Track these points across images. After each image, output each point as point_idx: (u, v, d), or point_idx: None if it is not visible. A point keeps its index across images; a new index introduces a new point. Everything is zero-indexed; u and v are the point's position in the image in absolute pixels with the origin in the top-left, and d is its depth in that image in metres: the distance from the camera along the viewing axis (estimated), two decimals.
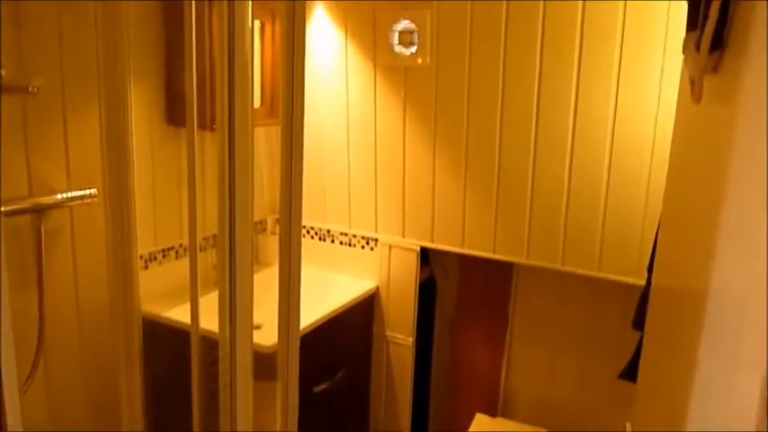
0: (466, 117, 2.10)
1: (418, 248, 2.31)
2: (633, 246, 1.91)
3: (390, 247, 2.36)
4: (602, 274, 1.99)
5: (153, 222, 2.03)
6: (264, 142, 2.50)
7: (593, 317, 2.22)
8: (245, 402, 1.07)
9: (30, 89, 1.51)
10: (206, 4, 1.80)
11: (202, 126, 1.88)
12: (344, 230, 2.45)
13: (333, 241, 2.49)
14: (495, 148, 2.07)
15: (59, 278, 1.78)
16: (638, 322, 1.46)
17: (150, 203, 2.01)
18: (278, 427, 1.09)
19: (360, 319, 2.39)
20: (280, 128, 1.05)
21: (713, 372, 0.65)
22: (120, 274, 1.29)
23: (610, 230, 1.95)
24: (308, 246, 2.52)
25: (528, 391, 2.40)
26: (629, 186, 1.89)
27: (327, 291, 2.30)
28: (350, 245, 2.45)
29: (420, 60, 2.13)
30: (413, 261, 2.33)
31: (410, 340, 2.40)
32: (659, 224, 1.32)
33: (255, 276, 1.10)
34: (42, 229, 1.67)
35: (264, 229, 2.53)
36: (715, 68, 0.75)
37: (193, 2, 1.16)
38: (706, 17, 0.72)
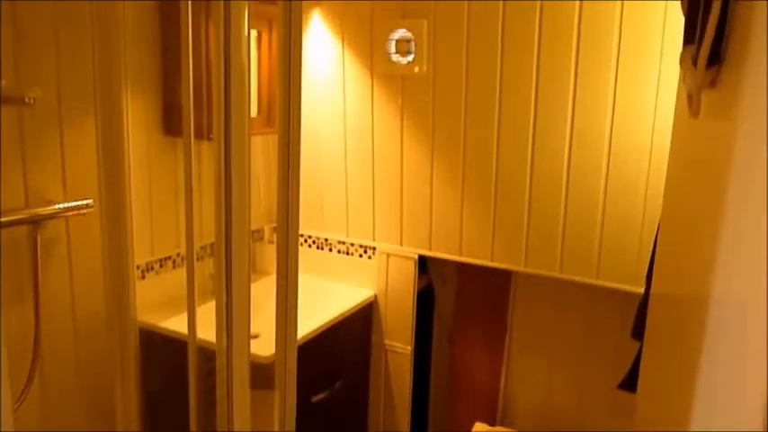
0: (463, 125, 2.10)
1: (416, 257, 2.30)
2: (631, 253, 1.91)
3: (388, 255, 2.36)
4: (600, 282, 1.98)
5: (150, 232, 2.03)
6: (262, 151, 2.50)
7: (592, 324, 2.21)
8: (243, 413, 1.06)
9: (26, 100, 1.50)
10: (203, 13, 1.80)
11: (199, 136, 1.87)
12: (342, 239, 2.45)
13: (330, 250, 2.48)
14: (492, 155, 2.07)
15: (56, 288, 1.77)
16: (638, 331, 1.45)
17: (147, 213, 2.01)
18: None
19: (358, 327, 2.38)
20: (277, 136, 1.05)
21: (716, 379, 0.65)
22: (116, 284, 1.28)
23: (608, 238, 1.95)
24: (305, 254, 2.51)
25: (527, 400, 2.39)
26: (627, 193, 1.89)
27: (325, 299, 2.29)
28: (347, 253, 2.45)
29: (417, 69, 2.14)
30: (411, 269, 2.32)
31: (408, 349, 2.39)
32: (657, 233, 1.32)
33: (253, 285, 1.09)
34: (38, 239, 1.66)
35: (262, 238, 2.53)
36: (713, 83, 0.75)
37: (190, 11, 1.16)
38: (703, 31, 0.72)
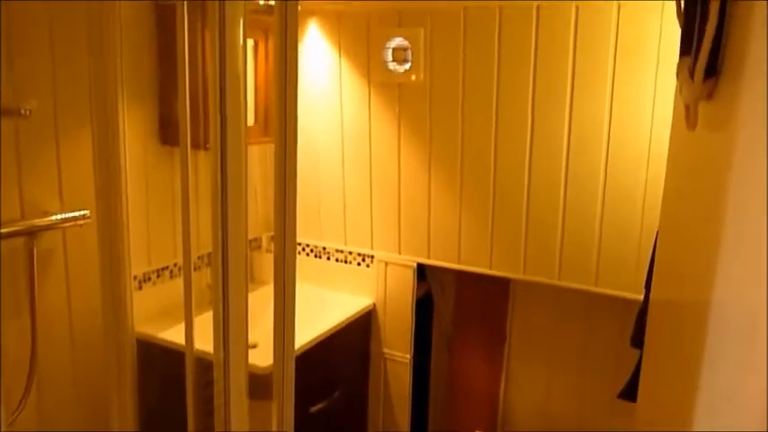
0: (461, 133, 2.10)
1: (414, 265, 2.30)
2: (630, 260, 1.90)
3: (386, 263, 2.35)
4: (599, 289, 1.98)
5: (147, 242, 2.02)
6: (259, 160, 2.50)
7: (591, 331, 2.20)
8: (241, 424, 1.05)
9: (22, 112, 1.50)
10: (199, 23, 1.80)
11: (196, 146, 1.87)
12: (340, 247, 2.44)
13: (329, 258, 2.47)
14: (490, 163, 2.07)
15: (52, 300, 1.77)
16: (637, 339, 1.45)
17: (144, 223, 2.00)
18: None
19: (356, 336, 2.37)
20: (273, 145, 1.04)
21: (718, 384, 0.64)
22: (112, 295, 1.27)
23: (606, 245, 1.94)
24: (303, 263, 2.50)
25: (527, 407, 2.38)
26: (625, 200, 1.89)
27: (323, 308, 2.28)
28: (346, 262, 2.44)
29: (414, 77, 2.14)
30: (409, 277, 2.32)
31: (408, 357, 2.38)
32: (656, 240, 1.31)
33: (251, 295, 1.09)
34: (35, 250, 1.66)
35: (260, 247, 2.52)
36: (709, 96, 0.75)
37: (186, 21, 1.16)
38: (700, 43, 0.72)
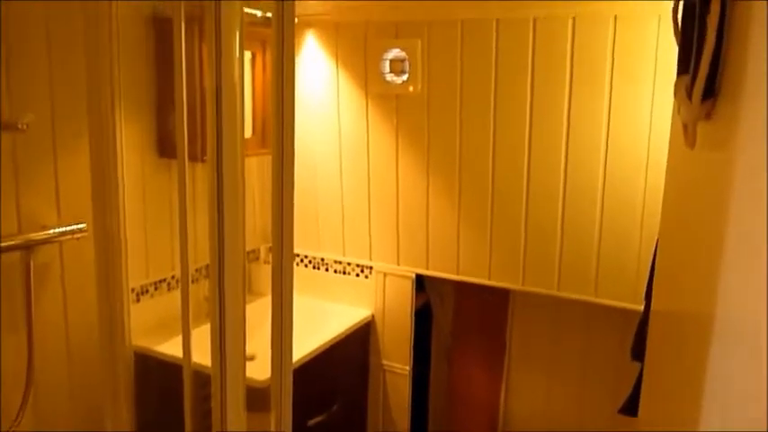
0: (458, 144, 2.10)
1: (413, 276, 2.29)
2: (630, 270, 1.90)
3: (385, 274, 2.34)
4: (598, 300, 1.97)
5: (145, 254, 2.01)
6: (257, 171, 2.49)
7: (591, 342, 2.20)
8: None
9: (19, 126, 1.50)
10: (197, 35, 1.81)
11: (193, 158, 1.87)
12: (338, 258, 2.43)
13: (327, 269, 2.47)
14: (488, 173, 2.07)
15: (49, 313, 1.76)
16: (637, 352, 1.44)
17: (142, 235, 1.99)
18: None
19: (355, 348, 2.36)
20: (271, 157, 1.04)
21: (722, 399, 0.64)
22: (110, 309, 1.27)
23: (605, 255, 1.94)
24: (301, 274, 2.50)
25: (527, 418, 2.37)
26: (624, 210, 1.89)
27: (322, 320, 2.27)
28: (344, 273, 2.43)
29: (411, 88, 2.14)
30: (408, 288, 2.31)
31: (407, 369, 2.37)
32: (655, 251, 1.31)
33: (249, 307, 1.08)
34: (32, 264, 1.65)
35: (257, 258, 2.51)
36: (708, 116, 0.75)
37: (183, 34, 1.16)
38: (698, 63, 0.72)
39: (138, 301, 2.00)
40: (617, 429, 2.11)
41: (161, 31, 1.95)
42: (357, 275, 2.41)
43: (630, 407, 1.44)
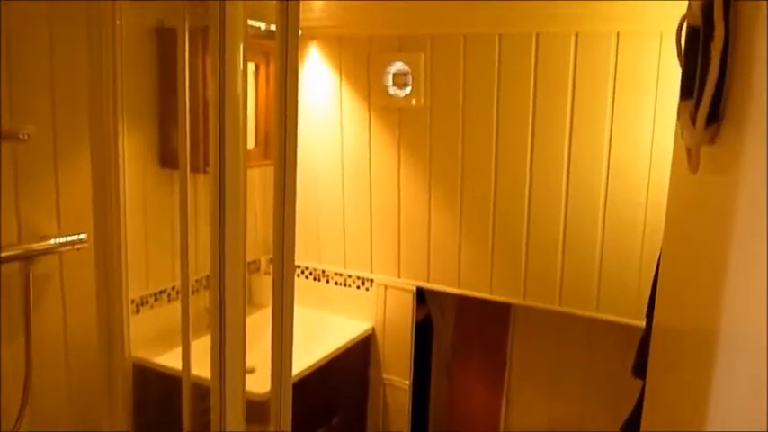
0: (460, 157, 2.11)
1: (414, 288, 2.28)
2: (631, 286, 1.89)
3: (386, 287, 2.34)
4: (600, 315, 1.96)
5: (145, 265, 2.01)
6: (259, 182, 2.49)
7: (592, 357, 2.18)
8: None
9: (21, 136, 1.50)
10: (200, 46, 1.81)
11: (195, 169, 1.87)
12: (339, 270, 2.43)
13: (328, 281, 2.46)
14: (490, 187, 2.07)
15: (49, 325, 1.75)
16: (639, 369, 1.42)
17: (143, 246, 1.99)
18: None
19: (355, 361, 2.35)
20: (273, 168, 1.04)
21: (726, 418, 0.63)
22: (109, 320, 1.26)
23: (607, 271, 1.93)
24: (302, 286, 2.49)
25: None
26: (626, 225, 1.89)
27: (322, 332, 2.26)
28: (345, 285, 2.43)
29: (414, 102, 2.15)
30: (409, 301, 2.30)
31: (407, 383, 2.36)
32: (657, 267, 1.30)
33: (250, 318, 1.07)
34: (31, 275, 1.64)
35: (258, 269, 2.51)
36: (712, 140, 0.75)
37: (187, 45, 1.17)
38: (702, 88, 0.72)
39: (137, 312, 2.00)
40: None
41: (165, 42, 1.96)
42: (358, 288, 2.40)
43: (632, 425, 1.43)
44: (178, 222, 1.21)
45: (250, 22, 0.96)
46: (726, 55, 0.68)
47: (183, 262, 1.24)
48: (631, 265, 1.89)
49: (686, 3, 0.95)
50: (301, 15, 0.95)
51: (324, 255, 2.45)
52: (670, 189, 1.18)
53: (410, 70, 2.13)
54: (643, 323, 1.52)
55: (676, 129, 1.06)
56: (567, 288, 2.00)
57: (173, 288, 2.11)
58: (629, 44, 1.81)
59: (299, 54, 1.96)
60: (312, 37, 2.31)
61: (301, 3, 0.95)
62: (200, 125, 1.81)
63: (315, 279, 2.48)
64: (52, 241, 1.68)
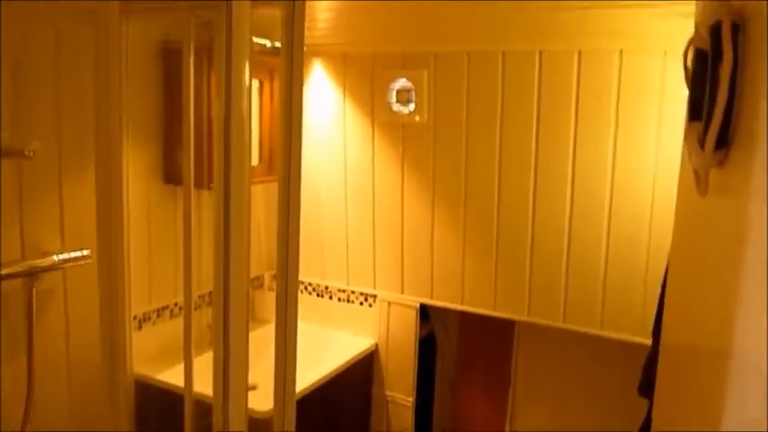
0: (464, 174, 2.11)
1: (417, 305, 2.27)
2: (636, 303, 1.88)
3: (389, 303, 2.33)
4: (604, 333, 1.95)
5: (148, 281, 2.01)
6: (263, 198, 2.49)
7: (597, 376, 2.17)
8: None
9: (26, 153, 1.50)
10: (205, 63, 1.82)
11: (199, 185, 1.87)
12: (343, 286, 2.42)
13: (331, 297, 2.45)
14: (493, 204, 2.07)
15: (51, 341, 1.74)
16: (645, 388, 1.41)
17: (146, 262, 1.99)
18: None
19: (358, 378, 2.34)
20: (277, 184, 1.04)
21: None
22: (111, 337, 1.26)
23: (611, 288, 1.92)
24: (305, 302, 2.48)
25: None
26: (630, 243, 1.88)
27: (325, 349, 2.25)
28: (348, 301, 2.42)
29: (418, 118, 2.15)
30: (412, 318, 2.29)
31: (410, 400, 2.34)
32: (662, 286, 1.29)
33: (252, 334, 1.07)
34: (34, 291, 1.64)
35: (261, 285, 2.50)
36: (720, 164, 0.74)
37: (192, 61, 1.18)
38: (710, 112, 0.72)
39: (140, 328, 1.99)
40: None
41: (170, 59, 1.97)
42: (361, 304, 2.39)
43: None
44: (181, 238, 1.21)
45: (254, 40, 0.97)
46: (734, 78, 0.68)
47: (187, 278, 1.24)
48: (636, 282, 1.88)
49: (689, 21, 0.96)
50: (305, 33, 0.96)
51: (327, 271, 2.44)
52: (677, 210, 1.17)
53: (413, 87, 2.14)
54: (648, 341, 1.51)
55: (683, 150, 1.06)
56: (572, 305, 1.99)
57: (175, 304, 2.11)
58: (633, 62, 1.81)
59: (303, 70, 1.97)
60: (316, 53, 2.33)
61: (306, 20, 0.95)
62: (204, 142, 1.82)
63: (318, 295, 2.48)
64: (56, 257, 1.68)
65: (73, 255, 1.72)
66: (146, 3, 1.22)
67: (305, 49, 0.97)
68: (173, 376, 1.90)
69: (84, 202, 1.78)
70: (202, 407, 1.24)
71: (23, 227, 1.64)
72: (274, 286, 1.07)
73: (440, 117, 2.13)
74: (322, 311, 2.47)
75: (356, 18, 1.92)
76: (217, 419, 1.02)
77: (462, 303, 2.18)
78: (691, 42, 0.89)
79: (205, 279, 2.10)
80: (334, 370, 2.11)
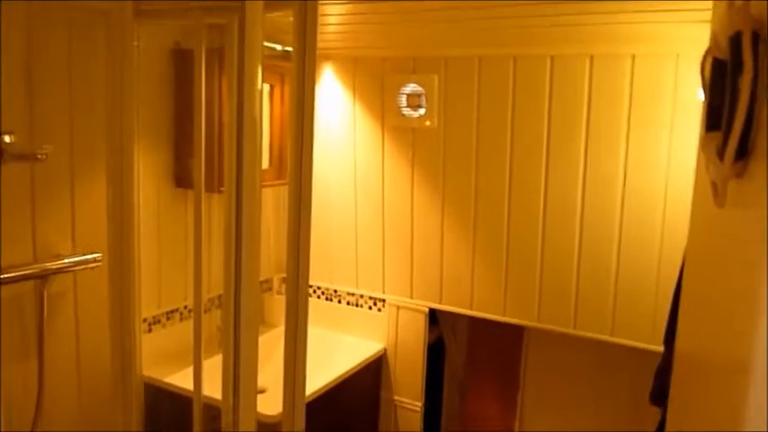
0: (474, 178, 2.10)
1: (426, 309, 2.27)
2: (647, 311, 1.87)
3: (398, 307, 2.32)
4: (615, 339, 1.93)
5: (158, 284, 2.01)
6: (273, 201, 2.50)
7: (607, 382, 2.15)
8: None
9: (39, 156, 1.51)
10: (216, 67, 1.83)
11: (210, 189, 1.88)
12: (352, 290, 2.42)
13: (340, 301, 2.45)
14: (503, 208, 2.06)
15: (62, 343, 1.75)
16: (657, 396, 1.40)
17: (156, 265, 2.00)
18: None
19: (367, 383, 2.33)
20: (288, 188, 1.04)
21: None
22: (121, 339, 1.26)
23: (622, 294, 1.91)
24: (314, 306, 2.48)
25: None
26: (641, 249, 1.86)
27: (334, 353, 2.25)
28: (357, 305, 2.42)
29: (428, 123, 2.15)
30: (421, 322, 2.28)
31: (419, 405, 2.33)
32: (675, 293, 1.28)
33: (261, 338, 1.07)
34: (45, 294, 1.65)
35: (270, 289, 2.50)
36: (739, 175, 0.73)
37: (203, 65, 1.18)
38: (730, 123, 0.71)
39: (149, 331, 1.99)
40: None
41: (181, 63, 1.98)
42: (370, 308, 2.39)
43: None
44: (191, 242, 1.21)
45: (266, 44, 0.97)
46: (755, 89, 0.67)
47: (197, 281, 1.24)
48: (647, 289, 1.86)
49: (702, 25, 0.95)
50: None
51: (336, 275, 2.44)
52: (692, 219, 1.16)
53: (424, 91, 2.14)
54: (659, 348, 1.49)
55: (698, 159, 1.05)
56: (582, 311, 1.97)
57: (185, 307, 2.11)
58: (645, 66, 1.80)
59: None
60: (327, 57, 2.33)
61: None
62: (215, 145, 1.82)
63: (327, 299, 2.48)
64: (67, 260, 1.69)
65: (84, 258, 1.72)
66: (158, 3, 1.22)
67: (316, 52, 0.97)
68: (182, 379, 1.90)
69: (96, 206, 1.78)
70: (211, 410, 1.24)
71: (35, 229, 1.65)
72: (283, 290, 1.07)
73: (450, 122, 2.12)
74: (331, 315, 2.47)
75: (367, 23, 1.92)
76: (226, 423, 1.02)
77: (471, 308, 2.17)
78: (708, 52, 0.88)
79: (215, 282, 2.11)
80: (343, 374, 2.11)
